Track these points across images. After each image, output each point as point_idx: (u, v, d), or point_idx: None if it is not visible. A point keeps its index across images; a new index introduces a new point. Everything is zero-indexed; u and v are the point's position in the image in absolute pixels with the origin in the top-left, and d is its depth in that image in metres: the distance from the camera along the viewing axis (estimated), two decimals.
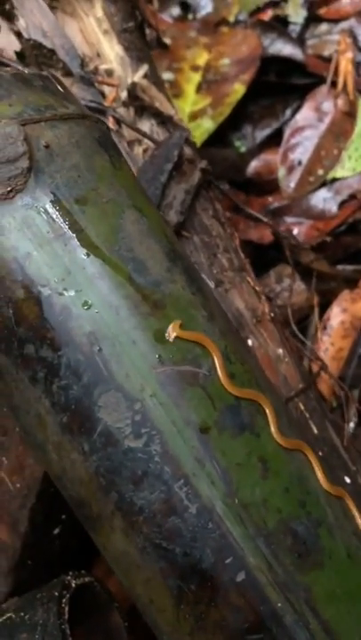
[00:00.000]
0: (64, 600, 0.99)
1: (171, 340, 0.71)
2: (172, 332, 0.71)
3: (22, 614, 1.01)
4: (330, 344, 1.62)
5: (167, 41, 1.89)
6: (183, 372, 0.72)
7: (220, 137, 1.85)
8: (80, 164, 0.74)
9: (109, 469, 0.71)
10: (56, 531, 1.21)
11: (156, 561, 0.72)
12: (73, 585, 1.01)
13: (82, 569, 1.04)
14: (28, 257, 0.71)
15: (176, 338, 0.71)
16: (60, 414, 0.72)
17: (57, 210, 0.71)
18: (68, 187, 0.72)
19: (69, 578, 1.02)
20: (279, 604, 0.70)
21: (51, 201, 0.71)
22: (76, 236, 0.72)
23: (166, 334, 0.71)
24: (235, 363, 0.76)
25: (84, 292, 0.71)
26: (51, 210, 0.71)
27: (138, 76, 1.20)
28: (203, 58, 1.87)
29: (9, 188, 0.70)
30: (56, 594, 0.99)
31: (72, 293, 0.71)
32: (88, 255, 0.72)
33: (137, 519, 0.71)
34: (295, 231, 1.74)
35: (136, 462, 0.71)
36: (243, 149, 1.86)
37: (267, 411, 0.74)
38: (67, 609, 0.98)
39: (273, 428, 0.74)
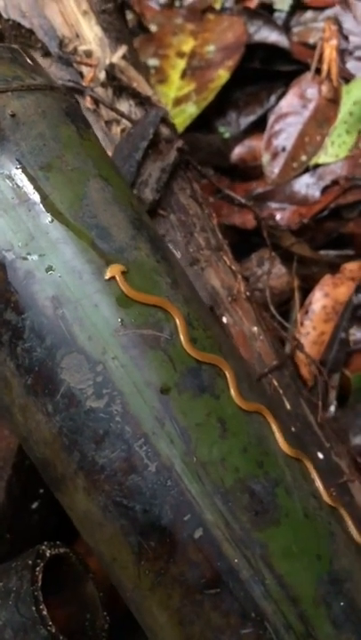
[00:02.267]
0: (38, 568, 1.00)
1: (106, 278, 0.73)
2: (109, 273, 0.73)
3: None
4: (312, 328, 1.64)
5: (153, 28, 1.90)
6: (145, 336, 0.74)
7: (206, 123, 1.86)
8: (46, 132, 0.76)
9: (72, 429, 0.74)
10: (34, 505, 1.23)
11: (117, 519, 0.74)
12: (47, 554, 1.03)
13: None
14: None
15: (112, 279, 0.73)
16: (25, 376, 0.74)
17: (22, 176, 0.73)
18: (33, 154, 0.75)
19: (44, 547, 1.04)
20: (236, 560, 0.72)
21: (16, 167, 0.74)
22: (40, 202, 0.74)
23: (105, 275, 0.73)
24: (197, 328, 0.78)
25: (47, 257, 0.73)
26: (15, 176, 0.73)
27: (116, 57, 1.21)
28: (188, 44, 1.89)
29: None
30: (30, 562, 1.01)
31: (35, 258, 0.73)
32: (52, 221, 0.74)
33: (98, 478, 0.74)
34: (278, 216, 1.76)
35: (98, 422, 0.73)
36: (227, 135, 1.88)
37: (227, 374, 0.77)
38: (40, 577, 1.00)
39: (233, 391, 0.76)
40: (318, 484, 0.80)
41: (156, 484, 0.72)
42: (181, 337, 0.75)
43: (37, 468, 0.82)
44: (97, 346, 0.73)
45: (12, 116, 0.74)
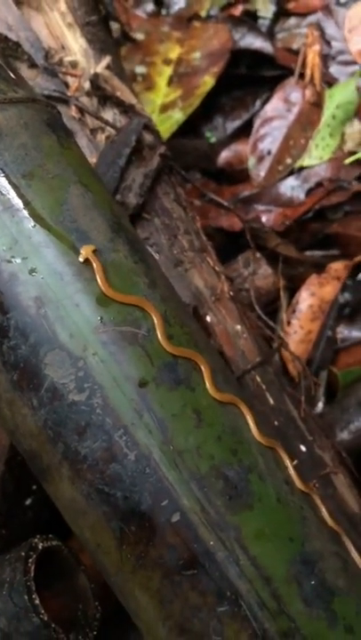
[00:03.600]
0: (30, 560, 1.04)
1: (81, 260, 0.77)
2: (83, 254, 0.77)
3: None
4: (299, 327, 1.68)
5: (140, 36, 1.95)
6: (123, 333, 0.78)
7: (192, 128, 1.91)
8: (28, 143, 0.81)
9: (56, 422, 0.78)
10: (28, 501, 1.27)
11: (99, 505, 0.78)
12: (40, 547, 1.07)
13: None
14: None
15: (86, 261, 0.77)
16: (11, 372, 0.79)
17: (5, 184, 0.78)
18: (16, 163, 0.79)
19: (36, 540, 1.08)
20: (211, 543, 0.76)
21: None
22: (23, 208, 0.78)
23: (80, 258, 0.78)
24: (174, 325, 0.82)
25: (30, 260, 0.78)
26: None
27: (100, 67, 1.26)
28: (175, 52, 1.93)
29: None
30: (23, 554, 1.05)
31: (19, 261, 0.78)
32: (34, 225, 0.78)
33: (81, 467, 0.78)
34: (264, 218, 1.80)
35: (80, 414, 0.77)
36: (214, 140, 1.92)
37: (202, 368, 0.81)
38: (32, 568, 1.04)
39: (208, 383, 0.80)
40: (291, 471, 0.85)
41: (135, 472, 0.77)
42: (158, 333, 0.80)
43: (25, 459, 0.86)
44: (78, 343, 0.77)
45: None
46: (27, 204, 0.78)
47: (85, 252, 0.79)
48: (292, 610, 0.77)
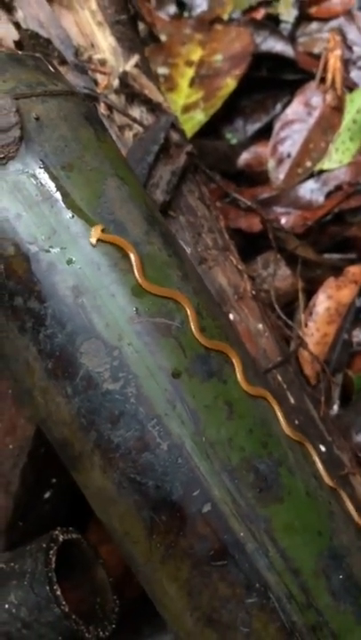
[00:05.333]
0: (51, 551, 1.05)
1: (93, 242, 0.78)
2: (94, 235, 0.78)
3: (12, 564, 1.08)
4: (315, 329, 1.69)
5: (163, 37, 1.96)
6: (158, 324, 0.79)
7: (213, 130, 1.92)
8: (67, 135, 0.82)
9: (90, 410, 0.79)
10: (47, 494, 1.27)
11: (130, 494, 0.79)
12: (60, 539, 1.08)
13: None
14: (19, 217, 0.78)
15: (99, 240, 0.78)
16: (46, 360, 0.80)
17: (45, 175, 0.79)
18: (56, 155, 0.80)
19: (57, 532, 1.09)
20: (241, 534, 0.77)
21: (40, 167, 0.79)
22: (62, 199, 0.79)
23: (91, 238, 0.78)
24: (206, 318, 0.83)
25: (68, 250, 0.79)
26: (39, 175, 0.79)
27: (129, 66, 1.28)
28: (197, 54, 1.95)
29: (2, 155, 0.78)
30: (44, 545, 1.06)
31: (57, 250, 0.79)
32: (72, 216, 0.79)
33: (114, 456, 0.79)
34: (283, 220, 1.81)
35: (114, 403, 0.78)
36: (234, 142, 1.93)
37: (234, 361, 0.82)
38: (54, 559, 1.05)
39: (239, 376, 0.81)
40: (319, 466, 0.85)
41: (167, 462, 0.78)
42: (191, 325, 0.81)
43: (55, 448, 0.87)
44: (114, 332, 0.78)
45: (37, 119, 0.80)
46: (65, 196, 0.79)
47: (95, 232, 0.79)
48: (321, 603, 0.77)
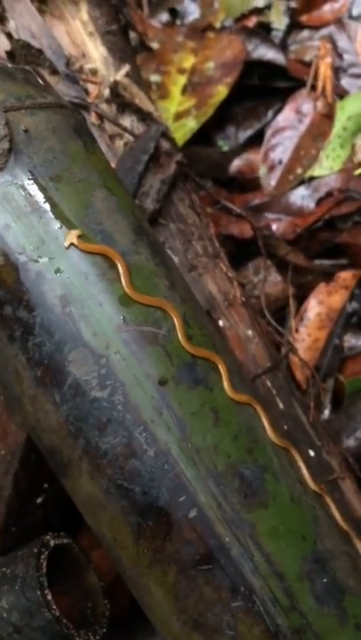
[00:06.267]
0: (42, 556, 1.06)
1: (66, 246, 0.79)
2: (67, 240, 0.80)
3: (4, 569, 1.09)
4: (307, 334, 1.70)
5: (155, 45, 1.98)
6: (145, 332, 0.81)
7: (205, 137, 1.94)
8: (55, 147, 0.83)
9: (78, 417, 0.80)
10: (39, 500, 1.28)
11: (118, 500, 0.80)
12: (52, 544, 1.09)
13: None
14: (7, 228, 0.80)
15: (71, 245, 0.79)
16: (35, 369, 0.81)
17: (34, 186, 0.81)
18: (44, 166, 0.82)
19: (48, 537, 1.10)
20: (227, 539, 0.78)
21: (28, 178, 0.81)
22: (51, 210, 0.81)
23: (65, 242, 0.80)
24: (193, 327, 0.85)
25: (56, 260, 0.80)
26: (28, 186, 0.81)
27: (120, 75, 1.29)
28: (189, 61, 1.96)
29: None
30: (35, 550, 1.07)
31: (45, 260, 0.80)
32: (61, 227, 0.81)
33: (101, 462, 0.80)
34: (274, 226, 1.82)
35: (101, 411, 0.80)
36: (226, 149, 1.95)
37: (220, 368, 0.83)
38: (45, 564, 1.06)
39: (225, 383, 0.83)
40: (304, 471, 0.87)
41: (154, 468, 0.79)
42: (178, 334, 0.82)
43: (45, 455, 0.88)
44: (101, 341, 0.80)
45: (26, 131, 0.82)
46: (54, 207, 0.81)
47: (70, 236, 0.81)
48: (305, 606, 0.79)
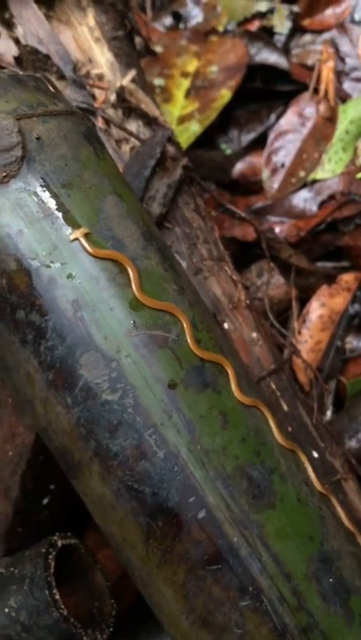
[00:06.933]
0: (50, 556, 1.08)
1: (70, 240, 0.81)
2: (73, 235, 0.81)
3: (12, 569, 1.11)
4: (309, 336, 1.71)
5: (159, 49, 1.99)
6: (154, 336, 0.82)
7: (208, 140, 1.95)
8: (67, 154, 0.85)
9: (89, 420, 0.82)
10: (45, 500, 1.30)
11: (128, 501, 0.82)
12: (59, 544, 1.10)
13: None
14: (20, 233, 0.81)
15: (75, 240, 0.81)
16: (47, 372, 0.83)
17: (46, 193, 0.82)
18: (56, 173, 0.83)
19: (56, 538, 1.11)
20: (235, 539, 0.80)
21: (40, 185, 0.82)
22: (62, 216, 0.82)
23: (71, 235, 0.81)
24: (201, 330, 0.86)
25: (68, 265, 0.82)
26: (40, 193, 0.82)
27: (126, 80, 1.31)
28: (192, 65, 1.98)
29: (4, 174, 0.81)
30: (43, 550, 1.09)
31: (58, 266, 0.82)
32: (72, 233, 0.82)
33: (112, 464, 0.82)
34: (277, 229, 1.83)
35: (112, 413, 0.81)
36: (229, 152, 1.96)
37: (228, 371, 0.85)
38: (52, 564, 1.07)
39: (233, 387, 0.84)
40: (310, 473, 0.88)
41: (163, 470, 0.80)
42: (187, 338, 0.84)
43: (55, 456, 0.90)
44: (112, 345, 0.81)
45: (38, 139, 0.83)
46: (66, 213, 0.82)
47: (75, 233, 0.82)
48: (312, 605, 0.80)
